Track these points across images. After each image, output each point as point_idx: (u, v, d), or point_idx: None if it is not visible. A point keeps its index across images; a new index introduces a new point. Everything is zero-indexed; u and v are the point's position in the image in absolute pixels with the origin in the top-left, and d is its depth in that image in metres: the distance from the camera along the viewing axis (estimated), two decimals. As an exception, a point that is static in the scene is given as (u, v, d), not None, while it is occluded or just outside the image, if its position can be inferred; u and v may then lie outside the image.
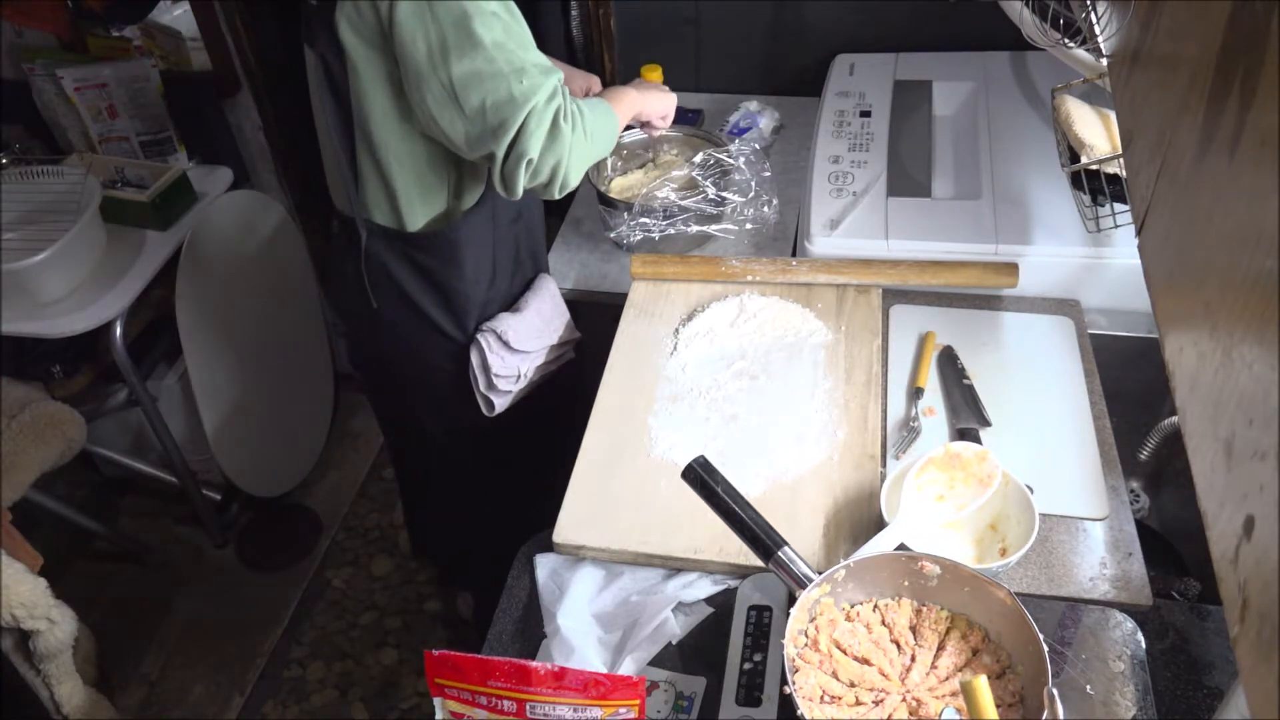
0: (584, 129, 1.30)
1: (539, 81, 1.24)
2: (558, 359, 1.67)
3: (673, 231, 1.65)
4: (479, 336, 1.55)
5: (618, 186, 1.77)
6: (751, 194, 1.69)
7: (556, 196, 1.35)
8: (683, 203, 1.64)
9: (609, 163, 1.77)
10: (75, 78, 2.15)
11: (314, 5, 1.30)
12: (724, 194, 1.68)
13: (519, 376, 1.59)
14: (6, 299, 1.92)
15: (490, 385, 1.56)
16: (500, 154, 1.26)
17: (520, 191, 1.31)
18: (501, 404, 1.60)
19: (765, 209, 1.68)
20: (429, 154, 1.37)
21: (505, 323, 1.55)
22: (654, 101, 1.62)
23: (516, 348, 1.55)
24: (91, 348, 2.28)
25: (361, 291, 1.51)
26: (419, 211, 1.43)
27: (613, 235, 1.69)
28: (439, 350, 1.57)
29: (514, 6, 1.27)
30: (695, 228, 1.67)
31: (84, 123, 2.22)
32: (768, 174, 1.70)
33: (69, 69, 2.16)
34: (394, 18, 1.21)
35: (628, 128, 1.70)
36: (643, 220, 1.63)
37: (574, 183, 1.33)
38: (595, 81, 1.71)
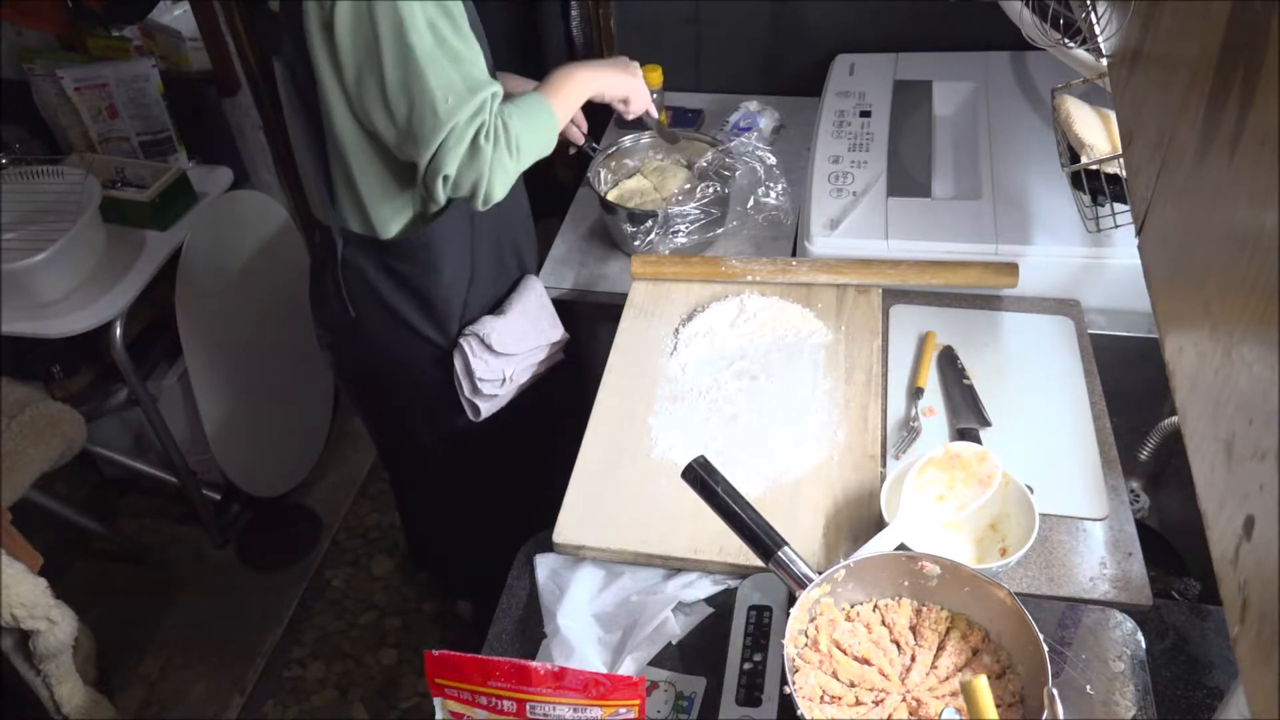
0: (508, 144, 1.30)
1: (464, 99, 1.24)
2: (547, 360, 1.65)
3: (698, 238, 1.65)
4: (461, 341, 1.53)
5: (615, 195, 1.75)
6: (761, 185, 1.69)
7: (481, 209, 1.35)
8: (702, 205, 1.63)
9: (602, 175, 1.75)
10: (75, 78, 2.15)
11: (276, 11, 1.30)
12: (730, 190, 1.68)
13: (504, 380, 1.56)
14: (6, 299, 1.92)
15: (475, 390, 1.55)
16: (421, 165, 1.28)
17: (441, 201, 1.34)
18: (488, 408, 1.58)
19: (779, 196, 1.69)
20: (392, 157, 1.36)
21: (488, 325, 1.53)
22: (611, 84, 1.51)
23: (500, 350, 1.53)
24: (91, 348, 2.28)
25: (341, 301, 1.50)
26: (389, 218, 1.42)
27: (642, 245, 1.64)
28: (422, 356, 1.55)
29: (458, 14, 1.26)
30: (715, 229, 1.67)
31: (84, 123, 2.22)
32: (773, 160, 1.70)
33: (69, 69, 2.16)
34: (334, 17, 1.21)
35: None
36: (671, 229, 1.63)
37: (498, 196, 1.33)
38: None
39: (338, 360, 1.66)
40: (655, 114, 1.65)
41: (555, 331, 1.64)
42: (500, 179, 1.31)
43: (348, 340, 1.59)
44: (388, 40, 1.20)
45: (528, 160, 1.36)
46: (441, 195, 1.32)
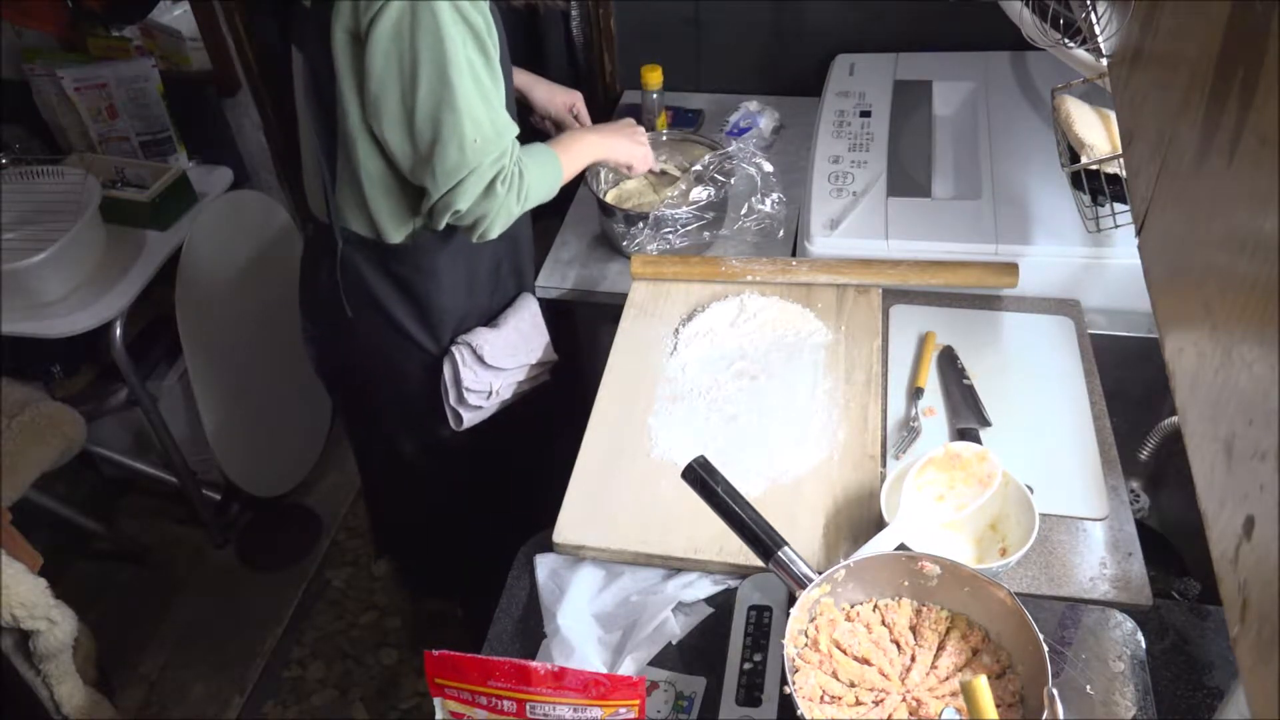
0: (519, 192, 1.35)
1: (491, 144, 1.28)
2: (533, 380, 1.65)
3: (690, 241, 1.65)
4: (453, 349, 1.54)
5: (613, 197, 1.75)
6: (758, 191, 1.69)
7: (473, 241, 1.40)
8: (696, 209, 1.63)
9: (602, 175, 1.75)
10: (75, 78, 2.15)
11: (308, 7, 1.30)
12: (727, 194, 1.68)
13: (491, 393, 1.57)
14: (6, 299, 1.92)
15: (460, 399, 1.55)
16: (434, 195, 1.31)
17: (440, 228, 1.38)
18: (471, 419, 1.58)
19: (774, 205, 1.69)
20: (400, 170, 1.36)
21: (481, 337, 1.54)
22: (619, 151, 1.60)
23: (491, 363, 1.54)
24: (91, 348, 2.28)
25: (335, 299, 1.50)
26: (394, 224, 1.42)
27: (633, 247, 1.64)
28: (412, 360, 1.56)
29: (493, 54, 1.27)
30: (708, 232, 1.67)
31: (84, 123, 2.22)
32: (770, 168, 1.70)
33: (69, 69, 2.16)
34: (373, 31, 1.21)
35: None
36: (663, 231, 1.63)
37: (494, 235, 1.38)
38: (578, 98, 1.69)
39: (320, 354, 1.66)
40: (657, 169, 1.74)
41: (545, 351, 1.64)
42: (502, 220, 1.36)
43: (336, 336, 1.59)
44: (427, 70, 1.21)
45: (529, 207, 1.41)
46: (443, 225, 1.37)
